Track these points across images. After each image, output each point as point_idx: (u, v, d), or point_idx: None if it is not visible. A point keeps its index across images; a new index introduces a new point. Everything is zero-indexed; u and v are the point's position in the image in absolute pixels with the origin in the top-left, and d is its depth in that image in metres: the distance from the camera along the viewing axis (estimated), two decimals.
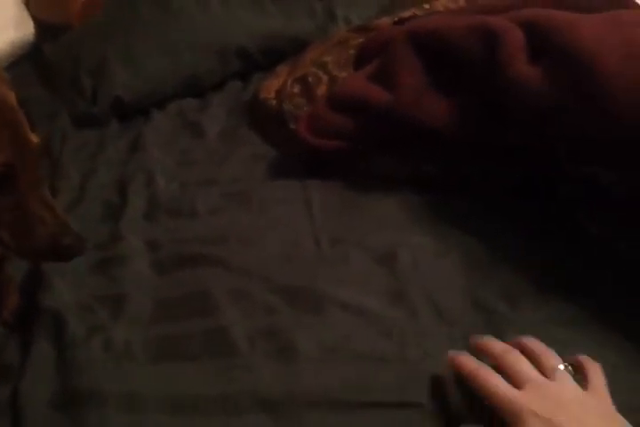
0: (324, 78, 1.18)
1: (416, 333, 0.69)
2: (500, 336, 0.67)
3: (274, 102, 1.12)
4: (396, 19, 1.29)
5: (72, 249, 0.58)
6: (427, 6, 1.28)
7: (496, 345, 0.59)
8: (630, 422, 0.51)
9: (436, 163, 0.93)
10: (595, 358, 0.58)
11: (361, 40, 1.31)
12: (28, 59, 1.39)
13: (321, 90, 1.15)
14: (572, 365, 0.57)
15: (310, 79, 1.17)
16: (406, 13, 1.29)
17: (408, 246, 0.82)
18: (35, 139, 0.58)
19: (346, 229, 0.86)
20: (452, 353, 0.60)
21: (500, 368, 0.56)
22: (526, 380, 0.53)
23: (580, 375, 0.56)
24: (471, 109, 0.88)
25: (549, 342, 0.60)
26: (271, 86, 1.18)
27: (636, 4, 1.01)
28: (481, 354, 0.60)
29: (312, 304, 0.73)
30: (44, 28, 1.45)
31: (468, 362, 0.58)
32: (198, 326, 0.71)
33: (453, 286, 0.76)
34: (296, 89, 1.15)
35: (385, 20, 1.35)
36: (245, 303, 0.73)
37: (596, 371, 0.56)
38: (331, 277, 0.77)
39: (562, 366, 0.55)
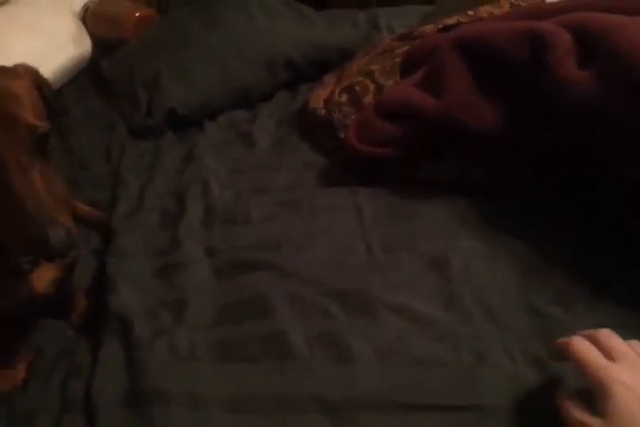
0: (371, 87, 1.20)
1: (469, 336, 0.70)
2: (553, 339, 0.68)
3: (323, 112, 1.15)
4: (440, 26, 1.30)
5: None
6: (470, 13, 1.29)
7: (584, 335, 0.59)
8: None
9: (482, 166, 0.94)
10: None
11: (406, 48, 1.33)
12: (87, 73, 1.46)
13: (368, 98, 1.17)
14: None
15: (357, 88, 1.19)
16: (450, 21, 1.30)
17: (459, 251, 0.83)
18: (32, 121, 0.56)
19: (396, 235, 0.88)
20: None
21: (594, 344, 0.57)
22: (618, 354, 0.54)
23: None
24: (517, 112, 0.89)
25: None
26: (319, 96, 1.21)
27: None
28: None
29: (366, 309, 0.75)
30: (100, 44, 1.52)
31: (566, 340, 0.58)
32: (257, 329, 0.73)
33: (506, 291, 0.77)
34: (344, 98, 1.18)
35: (429, 28, 1.36)
36: (301, 307, 0.76)
37: None
38: (383, 282, 0.78)
39: None
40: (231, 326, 0.75)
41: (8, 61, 0.66)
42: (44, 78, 0.68)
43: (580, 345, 0.56)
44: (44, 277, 0.68)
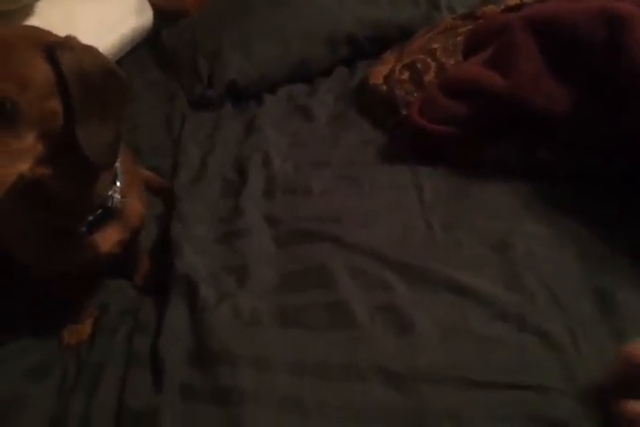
0: (433, 65, 1.19)
1: (532, 318, 0.70)
2: (620, 324, 0.67)
3: (384, 88, 1.14)
4: (502, 7, 1.28)
5: None
6: None
7: None
8: None
9: (548, 150, 0.92)
10: None
11: (469, 27, 1.30)
12: (147, 44, 1.48)
13: (429, 76, 1.16)
14: None
15: (419, 66, 1.18)
16: (512, 1, 1.27)
17: (522, 235, 0.82)
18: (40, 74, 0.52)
19: (457, 215, 0.87)
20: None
21: None
22: None
23: None
24: (589, 94, 0.86)
25: None
26: (379, 73, 1.20)
27: None
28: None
29: (427, 284, 0.75)
30: (161, 16, 1.53)
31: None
32: (319, 298, 0.74)
33: (570, 275, 0.76)
34: (405, 75, 1.17)
35: (491, 8, 1.33)
36: (363, 279, 0.76)
37: None
38: (444, 260, 0.78)
39: None
40: (293, 293, 0.76)
41: (74, 33, 0.61)
42: (93, 57, 0.59)
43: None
44: (109, 239, 0.70)
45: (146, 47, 1.48)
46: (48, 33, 0.58)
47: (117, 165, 0.68)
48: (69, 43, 0.56)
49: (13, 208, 0.66)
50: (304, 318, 0.72)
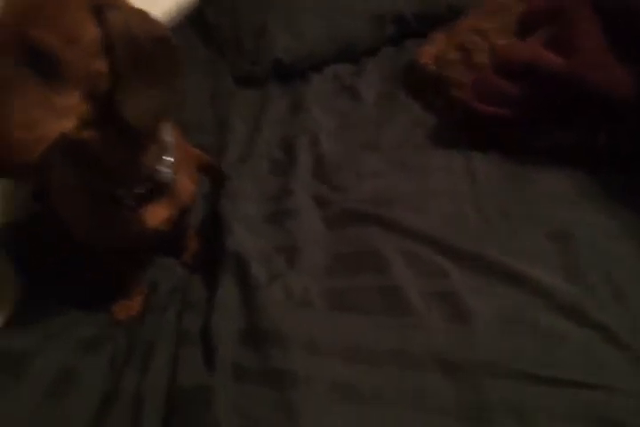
0: (483, 45, 1.15)
1: (593, 311, 0.67)
2: None
3: (433, 68, 1.11)
4: None
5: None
6: None
7: None
8: None
9: (609, 134, 0.88)
10: None
11: (522, 7, 1.26)
12: (191, 21, 1.45)
13: (481, 57, 1.11)
14: None
15: (469, 46, 1.14)
16: None
17: (583, 225, 0.79)
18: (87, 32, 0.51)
19: (512, 202, 0.84)
20: None
21: None
22: None
23: None
24: None
25: None
26: (429, 52, 1.16)
27: None
28: None
29: (483, 271, 0.73)
30: None
31: None
32: (372, 282, 0.73)
33: (633, 268, 0.73)
34: (455, 55, 1.13)
35: None
36: (416, 264, 0.74)
37: None
38: (501, 249, 0.76)
39: None
40: (344, 276, 0.75)
41: None
42: (144, 21, 0.57)
43: None
44: (158, 214, 0.69)
45: (190, 25, 1.45)
46: None
47: (169, 139, 0.67)
48: (119, 3, 0.55)
49: (63, 174, 0.66)
50: (356, 302, 0.70)
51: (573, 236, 0.77)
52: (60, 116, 0.52)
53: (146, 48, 0.55)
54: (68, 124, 0.53)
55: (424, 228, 0.80)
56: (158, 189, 0.68)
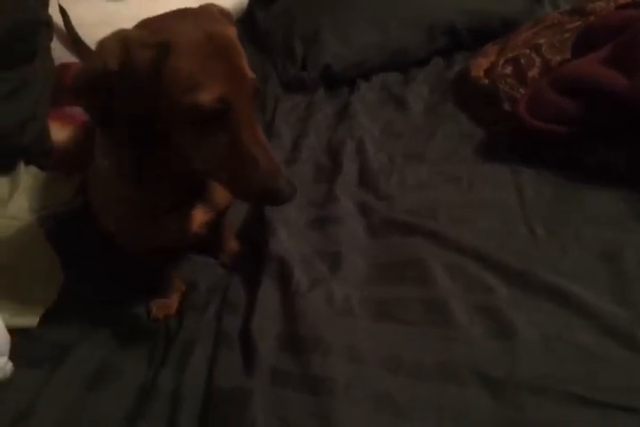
0: (537, 61, 1.14)
1: None
2: None
3: (485, 81, 1.09)
4: (612, 3, 1.22)
5: (284, 193, 0.56)
6: None
7: None
8: None
9: None
10: None
11: (577, 24, 1.24)
12: (242, 24, 1.47)
13: (533, 72, 1.10)
14: None
15: (523, 61, 1.13)
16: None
17: (632, 246, 0.76)
18: (251, 74, 0.54)
19: (561, 221, 0.82)
20: None
21: None
22: None
23: None
24: None
25: None
26: (481, 65, 1.15)
27: None
28: None
29: (530, 289, 0.71)
30: None
31: None
32: (415, 293, 0.72)
33: None
34: (507, 70, 1.12)
35: (601, 5, 1.27)
36: (461, 277, 0.73)
37: None
38: (549, 267, 0.74)
39: None
40: (387, 286, 0.74)
41: (163, 9, 0.57)
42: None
43: None
44: (197, 219, 0.70)
45: (241, 28, 1.47)
46: None
47: None
48: None
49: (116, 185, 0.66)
50: (398, 313, 0.70)
51: (623, 257, 0.75)
52: None
53: None
54: None
55: (469, 241, 0.78)
56: (196, 194, 0.68)
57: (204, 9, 0.57)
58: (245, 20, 1.48)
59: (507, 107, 1.01)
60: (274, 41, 1.33)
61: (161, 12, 0.55)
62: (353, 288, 0.73)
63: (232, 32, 0.56)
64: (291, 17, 1.34)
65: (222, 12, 0.60)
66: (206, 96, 0.50)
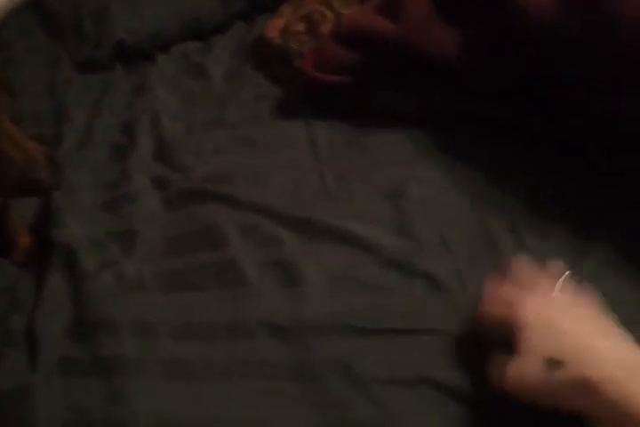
0: (329, 15, 1.15)
1: (420, 262, 0.70)
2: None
3: (279, 41, 1.10)
4: None
5: (43, 182, 0.55)
6: None
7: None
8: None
9: (441, 97, 0.91)
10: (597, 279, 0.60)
11: None
12: (30, 7, 1.36)
13: (326, 27, 1.12)
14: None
15: (315, 17, 1.14)
16: None
17: (415, 181, 0.81)
18: None
19: (352, 167, 0.86)
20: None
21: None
22: (529, 284, 0.57)
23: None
24: (479, 40, 0.86)
25: None
26: (275, 25, 1.16)
27: None
28: None
29: (317, 235, 0.74)
30: None
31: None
32: (209, 258, 0.72)
33: (461, 220, 0.76)
34: (301, 27, 1.13)
35: None
36: (255, 236, 0.74)
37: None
38: (336, 212, 0.77)
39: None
40: (182, 256, 0.73)
41: None
42: None
43: (488, 305, 0.58)
44: None
45: (28, 10, 1.36)
46: None
47: None
48: None
49: None
50: (190, 281, 0.70)
51: (406, 192, 0.79)
52: None
53: None
54: None
55: (263, 200, 0.79)
56: None
57: None
58: (36, 5, 1.37)
59: (297, 63, 1.03)
60: (63, 21, 1.24)
61: None
62: (147, 264, 0.72)
63: None
64: None
65: None
66: None
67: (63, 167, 0.87)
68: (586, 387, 0.46)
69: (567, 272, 0.58)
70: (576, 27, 0.75)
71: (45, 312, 0.67)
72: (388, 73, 0.94)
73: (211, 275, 0.70)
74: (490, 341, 0.56)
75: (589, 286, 0.57)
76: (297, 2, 1.23)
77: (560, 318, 0.52)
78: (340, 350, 0.61)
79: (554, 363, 0.49)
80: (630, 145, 0.78)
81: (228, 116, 0.98)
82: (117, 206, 0.81)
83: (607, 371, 0.46)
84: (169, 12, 1.20)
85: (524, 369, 0.50)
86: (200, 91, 1.06)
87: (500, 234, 0.74)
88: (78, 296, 0.68)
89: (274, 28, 1.16)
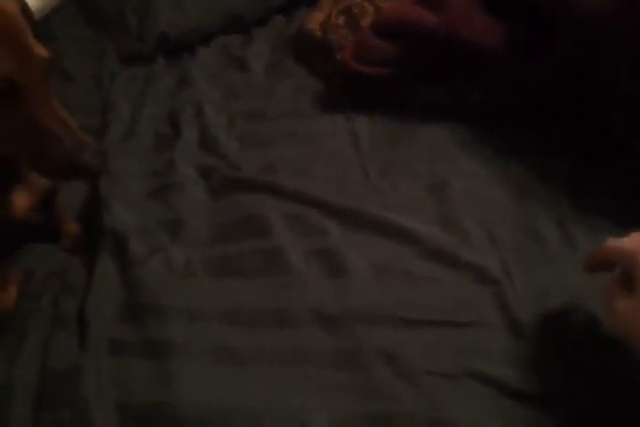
0: (370, 9, 1.15)
1: (465, 254, 0.70)
2: (551, 262, 0.68)
3: (319, 33, 1.10)
4: None
5: (90, 166, 0.55)
6: None
7: None
8: None
9: (483, 89, 0.90)
10: None
11: None
12: (75, 1, 1.39)
13: (366, 21, 1.12)
14: None
15: (355, 10, 1.14)
16: None
17: (458, 174, 0.81)
18: (42, 52, 0.53)
19: (394, 160, 0.86)
20: None
21: None
22: None
23: None
24: (519, 29, 0.85)
25: None
26: (316, 18, 1.16)
27: None
28: None
29: (362, 226, 0.74)
30: None
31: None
32: (254, 246, 0.73)
33: (505, 213, 0.76)
34: (341, 20, 1.13)
35: None
36: (299, 226, 0.75)
37: None
38: (380, 203, 0.77)
39: None
40: (228, 244, 0.74)
41: None
42: None
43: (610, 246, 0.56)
44: (19, 205, 0.66)
45: (74, 3, 1.39)
46: None
47: None
48: None
49: None
50: (239, 268, 0.71)
51: (450, 185, 0.79)
52: None
53: None
54: None
55: (307, 191, 0.80)
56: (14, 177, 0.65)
57: None
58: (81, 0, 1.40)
59: (338, 56, 1.03)
60: (107, 14, 1.27)
61: None
62: (194, 251, 0.73)
63: (12, 7, 0.53)
64: None
65: None
66: None
67: (110, 157, 0.89)
68: None
69: None
70: (618, 16, 0.73)
71: (96, 296, 0.68)
72: (426, 64, 0.93)
73: (256, 262, 0.71)
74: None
75: None
76: None
77: None
78: (387, 341, 0.62)
79: None
80: None
81: (269, 108, 0.99)
82: (164, 195, 0.82)
83: None
84: (210, 5, 1.21)
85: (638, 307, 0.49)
86: (241, 83, 1.07)
87: (546, 227, 0.74)
88: (128, 281, 0.69)
89: (314, 20, 1.17)
